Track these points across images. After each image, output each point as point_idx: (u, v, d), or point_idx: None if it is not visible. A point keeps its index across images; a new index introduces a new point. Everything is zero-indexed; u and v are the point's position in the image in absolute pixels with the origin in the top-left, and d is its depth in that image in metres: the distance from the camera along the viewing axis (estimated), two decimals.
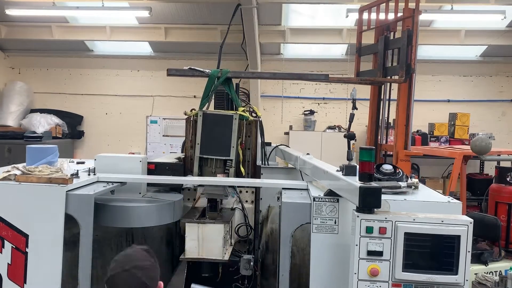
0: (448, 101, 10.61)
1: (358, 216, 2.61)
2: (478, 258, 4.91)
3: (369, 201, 2.55)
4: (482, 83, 10.65)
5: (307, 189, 3.60)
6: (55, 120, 10.53)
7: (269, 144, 5.01)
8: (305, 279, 3.40)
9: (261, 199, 4.43)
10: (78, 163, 4.60)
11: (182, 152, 4.36)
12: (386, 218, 2.61)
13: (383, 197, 2.64)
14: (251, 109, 4.59)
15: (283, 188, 3.69)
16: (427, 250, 2.59)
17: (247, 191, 4.70)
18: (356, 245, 2.63)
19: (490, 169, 9.44)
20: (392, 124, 6.89)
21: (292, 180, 4.09)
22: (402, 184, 3.17)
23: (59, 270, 3.25)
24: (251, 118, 4.37)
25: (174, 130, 9.71)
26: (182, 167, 4.02)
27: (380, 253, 2.61)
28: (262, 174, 4.53)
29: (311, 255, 3.11)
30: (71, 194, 3.32)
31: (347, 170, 2.97)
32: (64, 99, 11.30)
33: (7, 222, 3.31)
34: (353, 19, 8.51)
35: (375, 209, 2.61)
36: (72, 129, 11.02)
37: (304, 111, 10.59)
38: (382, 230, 2.59)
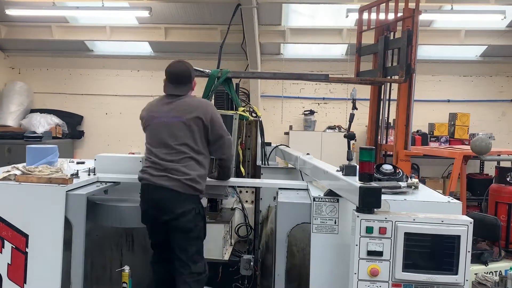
0: (448, 101, 10.61)
1: (358, 216, 2.61)
2: (478, 258, 4.91)
3: (369, 201, 2.55)
4: (482, 83, 10.64)
5: (306, 189, 3.61)
6: (55, 120, 10.52)
7: (269, 144, 5.02)
8: (305, 279, 3.40)
9: (261, 199, 4.43)
10: (78, 163, 4.61)
11: None
12: (386, 218, 2.61)
13: (383, 197, 2.64)
14: (251, 109, 4.60)
15: (279, 188, 3.70)
16: (427, 250, 2.59)
17: (247, 191, 4.71)
18: (356, 245, 2.63)
19: (490, 169, 9.44)
20: (392, 124, 6.88)
21: (292, 180, 4.10)
22: (402, 184, 3.17)
23: (59, 270, 3.25)
24: (251, 118, 4.37)
25: None
26: None
27: (380, 253, 2.61)
28: (262, 174, 4.54)
29: (311, 255, 3.12)
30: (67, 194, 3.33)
31: (347, 170, 2.97)
32: (64, 99, 11.29)
33: (7, 222, 3.31)
34: (353, 19, 8.50)
35: (375, 209, 2.62)
36: (72, 129, 11.01)
37: (304, 111, 10.58)
38: (382, 230, 2.60)
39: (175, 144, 3.38)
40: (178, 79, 3.55)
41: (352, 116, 3.76)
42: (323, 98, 10.85)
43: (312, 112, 10.47)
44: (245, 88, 4.61)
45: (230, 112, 4.14)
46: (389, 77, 5.81)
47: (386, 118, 6.15)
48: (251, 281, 4.06)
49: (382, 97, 6.06)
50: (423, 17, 6.30)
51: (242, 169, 4.21)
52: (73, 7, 9.20)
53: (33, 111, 10.83)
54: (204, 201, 3.95)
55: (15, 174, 3.39)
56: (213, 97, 4.28)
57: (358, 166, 2.84)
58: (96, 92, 11.26)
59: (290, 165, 4.90)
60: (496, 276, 4.62)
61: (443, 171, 9.92)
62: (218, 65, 5.21)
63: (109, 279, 4.22)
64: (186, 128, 3.39)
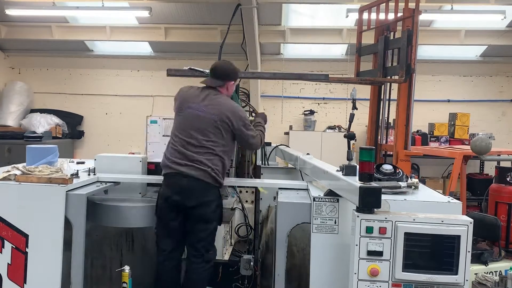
0: (448, 101, 10.61)
1: (358, 216, 2.61)
2: (478, 258, 4.91)
3: (369, 201, 2.55)
4: (482, 83, 10.65)
5: (306, 189, 3.61)
6: (55, 120, 10.52)
7: (269, 144, 5.02)
8: (305, 279, 3.40)
9: (261, 199, 4.43)
10: (78, 163, 4.61)
11: None
12: (386, 218, 2.61)
13: (383, 197, 2.64)
14: (251, 109, 4.60)
15: (279, 188, 3.70)
16: (427, 250, 2.59)
17: (247, 191, 4.70)
18: (356, 245, 2.63)
19: (490, 169, 9.44)
20: (392, 124, 6.88)
21: (292, 180, 4.10)
22: (402, 184, 3.17)
23: (59, 270, 3.25)
24: (251, 118, 4.37)
25: None
26: None
27: (380, 253, 2.61)
28: (262, 174, 4.53)
29: (311, 255, 3.11)
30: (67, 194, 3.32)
31: (347, 170, 2.97)
32: (64, 99, 11.29)
33: (7, 222, 3.31)
34: (353, 19, 8.50)
35: (375, 209, 2.62)
36: (72, 129, 11.02)
37: (304, 111, 10.58)
38: (382, 230, 2.60)
39: (203, 139, 3.53)
40: (217, 72, 3.75)
41: (352, 116, 3.76)
42: (323, 98, 10.86)
43: (312, 112, 10.47)
44: (245, 88, 4.61)
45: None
46: (389, 77, 5.81)
47: (386, 118, 6.15)
48: (251, 281, 4.06)
49: (382, 97, 6.06)
50: (423, 17, 6.29)
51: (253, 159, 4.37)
52: (73, 7, 9.20)
53: (33, 111, 10.83)
54: None
55: (15, 174, 3.39)
56: None
57: (358, 166, 2.84)
58: (96, 92, 11.26)
59: (290, 165, 4.90)
60: (496, 276, 4.62)
61: (443, 171, 9.92)
62: None
63: (109, 279, 4.22)
64: (215, 126, 3.56)
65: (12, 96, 10.70)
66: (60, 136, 10.49)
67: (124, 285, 3.53)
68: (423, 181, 4.38)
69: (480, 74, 10.63)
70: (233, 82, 3.83)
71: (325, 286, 3.08)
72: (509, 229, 5.44)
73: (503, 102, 10.62)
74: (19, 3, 9.12)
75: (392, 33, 5.88)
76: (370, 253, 2.61)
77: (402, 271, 2.60)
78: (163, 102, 10.71)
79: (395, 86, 5.85)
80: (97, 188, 3.63)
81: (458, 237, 2.57)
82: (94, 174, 3.82)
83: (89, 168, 3.92)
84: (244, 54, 9.37)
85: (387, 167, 3.31)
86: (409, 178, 3.35)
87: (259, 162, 4.56)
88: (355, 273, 2.64)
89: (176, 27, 10.05)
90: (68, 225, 3.33)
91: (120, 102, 11.11)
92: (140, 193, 4.00)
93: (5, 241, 3.32)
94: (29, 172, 3.40)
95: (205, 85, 3.76)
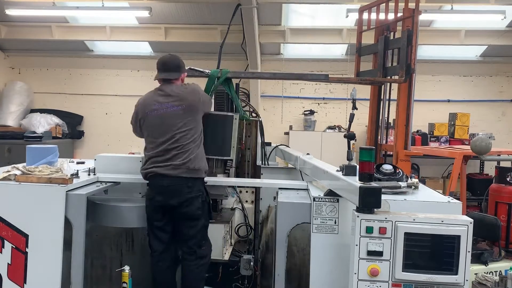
0: (448, 101, 10.61)
1: (358, 216, 2.61)
2: (478, 258, 4.91)
3: (369, 201, 2.55)
4: (482, 83, 10.64)
5: (306, 189, 3.61)
6: (55, 120, 10.52)
7: (269, 144, 5.02)
8: (305, 279, 3.40)
9: (261, 199, 4.43)
10: (78, 163, 4.61)
11: None
12: (386, 218, 2.61)
13: (383, 197, 2.64)
14: (251, 109, 4.60)
15: (279, 188, 3.70)
16: (427, 250, 2.59)
17: (247, 191, 4.70)
18: (356, 245, 2.63)
19: (490, 169, 9.44)
20: (392, 124, 6.88)
21: (292, 180, 4.10)
22: (402, 184, 3.17)
23: (59, 270, 3.25)
24: (251, 118, 4.38)
25: None
26: None
27: (380, 253, 2.61)
28: (262, 174, 4.53)
29: (311, 255, 3.11)
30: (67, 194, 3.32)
31: (347, 170, 2.97)
32: (64, 99, 11.29)
33: (7, 222, 3.31)
34: (353, 19, 8.50)
35: (375, 209, 2.62)
36: (72, 129, 11.01)
37: (304, 111, 10.58)
38: (382, 230, 2.60)
39: (174, 132, 3.55)
40: (165, 65, 3.76)
41: (352, 116, 3.76)
42: (323, 98, 10.85)
43: (312, 112, 10.47)
44: (245, 88, 4.62)
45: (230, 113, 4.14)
46: (389, 77, 5.81)
47: (386, 118, 6.15)
48: (251, 281, 4.06)
49: (382, 97, 6.06)
50: (423, 17, 6.30)
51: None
52: (73, 7, 9.20)
53: (33, 111, 10.83)
54: None
55: (15, 174, 3.39)
56: (213, 97, 4.28)
57: (358, 166, 2.84)
58: (96, 92, 11.26)
59: (290, 165, 4.90)
60: (496, 276, 4.62)
61: (443, 171, 9.92)
62: (218, 65, 5.20)
63: (109, 279, 4.22)
64: (181, 115, 3.58)
65: (12, 96, 10.70)
66: (60, 136, 10.48)
67: (124, 285, 3.54)
68: (423, 181, 4.38)
69: (480, 74, 10.63)
70: (183, 74, 3.86)
71: (325, 286, 3.08)
72: (509, 229, 5.44)
73: (503, 102, 10.62)
74: (19, 3, 9.11)
75: (392, 33, 5.88)
76: (370, 253, 2.61)
77: (402, 271, 2.60)
78: None
79: (395, 86, 5.86)
80: (97, 188, 3.63)
81: (458, 237, 2.57)
82: (94, 174, 3.82)
83: (89, 168, 3.92)
84: (244, 54, 9.38)
85: (387, 167, 3.31)
86: (409, 178, 3.35)
87: (259, 162, 4.56)
88: (355, 273, 2.64)
89: (176, 27, 10.05)
90: (68, 225, 3.33)
91: (120, 102, 11.10)
92: (140, 193, 4.00)
93: (5, 241, 3.32)
94: (29, 172, 3.40)
95: (158, 84, 3.82)
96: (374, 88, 6.11)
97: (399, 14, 5.68)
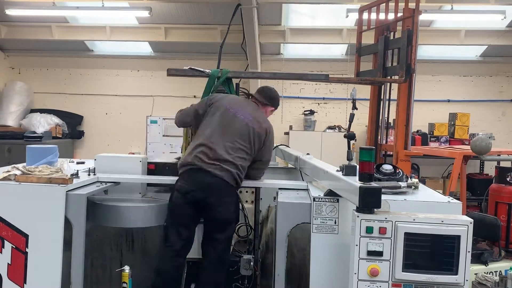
0: (448, 101, 10.62)
1: (358, 216, 2.61)
2: (478, 258, 4.91)
3: (369, 201, 2.55)
4: (482, 83, 10.65)
5: (306, 189, 3.61)
6: (55, 120, 10.53)
7: None
8: (305, 279, 3.40)
9: (261, 199, 4.42)
10: (78, 163, 4.61)
11: (182, 152, 4.36)
12: (386, 218, 2.61)
13: (383, 197, 2.64)
14: None
15: (279, 188, 3.70)
16: (427, 250, 2.59)
17: (247, 191, 4.70)
18: (356, 245, 2.63)
19: (490, 169, 9.44)
20: (392, 124, 6.89)
21: (292, 180, 4.10)
22: (402, 184, 3.17)
23: (59, 270, 3.25)
24: None
25: (174, 130, 9.66)
26: None
27: (380, 253, 2.61)
28: None
29: (311, 255, 3.11)
30: (67, 194, 3.32)
31: (347, 170, 2.97)
32: (64, 99, 11.29)
33: (7, 222, 3.31)
34: (353, 19, 8.50)
35: (375, 209, 2.61)
36: (72, 129, 11.02)
37: (304, 111, 10.58)
38: (382, 230, 2.59)
39: (239, 142, 3.61)
40: (269, 95, 4.06)
41: (352, 116, 3.76)
42: (323, 98, 10.86)
43: (312, 112, 10.47)
44: (245, 88, 4.60)
45: None
46: (389, 77, 5.81)
47: (386, 118, 6.15)
48: (251, 281, 4.05)
49: (382, 97, 6.06)
50: (423, 17, 6.30)
51: None
52: (73, 7, 9.21)
53: (33, 111, 10.84)
54: None
55: (15, 174, 3.39)
56: None
57: (358, 166, 2.84)
58: (96, 92, 11.26)
59: (290, 165, 4.89)
60: (496, 276, 4.62)
61: (443, 171, 9.92)
62: (218, 65, 5.19)
63: (109, 279, 4.22)
64: (252, 134, 3.67)
65: (12, 96, 10.70)
66: (60, 136, 10.49)
67: (124, 285, 3.53)
68: (423, 181, 4.38)
69: (480, 74, 10.64)
70: (273, 109, 4.12)
71: (325, 286, 3.08)
72: (509, 229, 5.44)
73: (503, 102, 10.62)
74: (19, 3, 9.12)
75: (392, 33, 5.88)
76: (370, 253, 2.61)
77: (402, 271, 2.60)
78: (163, 102, 10.73)
79: (395, 86, 5.86)
80: (97, 188, 3.63)
81: (458, 237, 2.57)
82: (94, 174, 3.81)
83: (89, 168, 3.92)
84: (244, 54, 9.38)
85: (387, 167, 3.31)
86: (409, 178, 3.35)
87: None
88: (355, 273, 2.64)
89: (176, 27, 10.06)
90: (68, 225, 3.33)
91: (120, 102, 11.11)
92: (140, 193, 4.00)
93: (5, 241, 3.31)
94: (29, 172, 3.40)
95: (249, 98, 4.08)
96: (374, 88, 6.11)
97: (399, 14, 5.68)
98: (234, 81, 4.38)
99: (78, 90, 11.27)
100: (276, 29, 9.82)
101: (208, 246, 3.61)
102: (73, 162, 4.65)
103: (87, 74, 11.29)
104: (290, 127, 10.63)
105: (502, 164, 7.19)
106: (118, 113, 11.14)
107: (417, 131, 9.91)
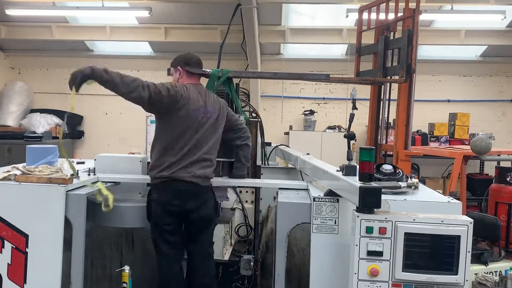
0: (448, 101, 10.61)
1: (358, 216, 2.61)
2: (478, 258, 4.91)
3: (369, 201, 2.55)
4: (482, 83, 10.65)
5: (306, 189, 3.61)
6: (55, 120, 10.52)
7: (269, 144, 5.02)
8: (305, 279, 3.40)
9: (261, 199, 4.43)
10: (78, 163, 4.61)
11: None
12: (386, 218, 2.61)
13: (383, 197, 2.64)
14: (251, 109, 4.60)
15: (279, 188, 3.70)
16: (427, 250, 2.59)
17: (247, 191, 4.70)
18: (356, 245, 2.63)
19: (490, 169, 9.44)
20: (392, 124, 6.89)
21: (292, 180, 4.10)
22: (402, 184, 3.17)
23: (59, 270, 3.25)
24: (251, 118, 4.38)
25: None
26: None
27: (380, 253, 2.61)
28: (262, 174, 4.53)
29: (311, 255, 3.11)
30: (67, 194, 3.32)
31: (347, 170, 2.97)
32: (64, 99, 11.27)
33: (7, 222, 3.31)
34: (353, 19, 8.50)
35: (375, 209, 2.61)
36: (72, 129, 11.02)
37: (304, 111, 10.58)
38: (382, 230, 2.60)
39: (204, 145, 3.46)
40: (200, 65, 3.73)
41: (352, 116, 3.76)
42: (323, 98, 10.86)
43: (312, 112, 10.47)
44: (245, 88, 4.61)
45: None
46: (389, 77, 5.81)
47: (386, 118, 6.15)
48: (251, 281, 4.06)
49: (382, 97, 6.06)
50: (423, 17, 6.30)
51: None
52: (73, 7, 9.20)
53: (33, 111, 10.83)
54: None
55: (15, 174, 3.39)
56: None
57: (358, 166, 2.84)
58: (96, 92, 11.19)
59: (290, 165, 4.90)
60: (496, 276, 4.62)
61: (443, 171, 9.92)
62: (218, 65, 5.20)
63: (109, 279, 4.22)
64: (214, 127, 3.54)
65: (12, 96, 10.70)
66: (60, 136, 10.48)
67: (124, 285, 3.53)
68: (423, 181, 4.39)
69: (480, 74, 10.63)
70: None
71: (325, 286, 3.08)
72: (509, 229, 5.44)
73: (503, 102, 10.62)
74: (19, 3, 9.12)
75: (392, 33, 5.88)
76: (370, 253, 2.61)
77: (402, 271, 2.60)
78: None
79: (395, 86, 5.86)
80: (97, 188, 3.62)
81: (458, 237, 2.57)
82: (94, 174, 3.81)
83: (89, 168, 3.92)
84: (244, 54, 9.38)
85: (387, 167, 3.31)
86: (409, 178, 3.35)
87: (259, 162, 4.56)
88: (355, 273, 2.64)
89: (176, 27, 10.05)
90: (68, 225, 3.33)
91: (120, 102, 11.04)
92: (140, 193, 4.00)
93: (5, 241, 3.32)
94: (29, 172, 3.40)
95: (195, 80, 3.70)
96: (374, 88, 6.11)
97: (399, 14, 5.68)
98: (234, 81, 4.38)
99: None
100: (276, 29, 9.82)
101: (197, 250, 3.59)
102: (73, 162, 4.64)
103: None
104: (290, 127, 10.63)
105: (502, 164, 7.20)
106: (118, 113, 11.13)
107: (417, 131, 9.91)
